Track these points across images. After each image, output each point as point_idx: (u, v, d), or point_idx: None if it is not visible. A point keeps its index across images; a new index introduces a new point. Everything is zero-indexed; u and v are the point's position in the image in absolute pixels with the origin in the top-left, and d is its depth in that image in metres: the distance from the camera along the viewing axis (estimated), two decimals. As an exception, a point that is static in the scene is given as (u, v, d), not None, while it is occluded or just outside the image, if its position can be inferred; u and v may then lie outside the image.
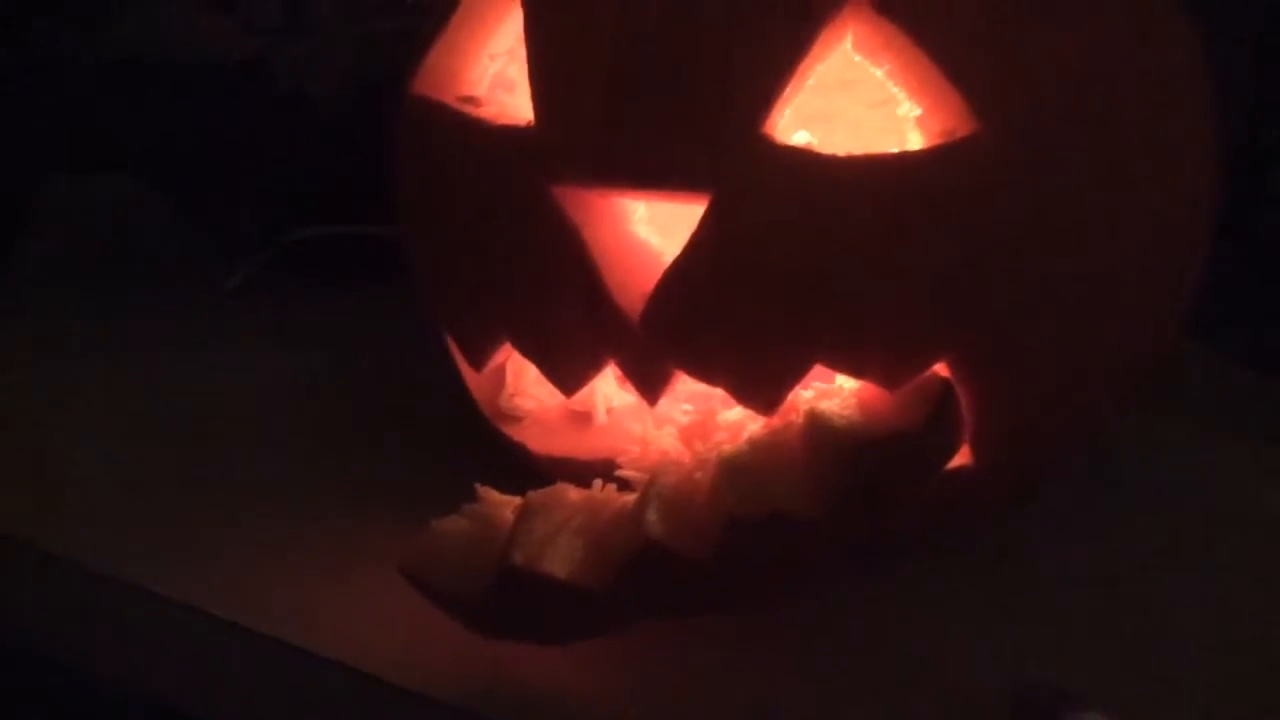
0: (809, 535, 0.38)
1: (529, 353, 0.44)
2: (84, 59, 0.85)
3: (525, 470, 0.48)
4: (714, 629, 0.43)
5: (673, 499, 0.39)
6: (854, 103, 0.42)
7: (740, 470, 0.39)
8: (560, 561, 0.38)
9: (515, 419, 0.48)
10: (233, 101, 0.80)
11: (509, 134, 0.43)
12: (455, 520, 0.41)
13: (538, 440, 0.47)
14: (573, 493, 0.41)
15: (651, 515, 0.38)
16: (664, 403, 0.44)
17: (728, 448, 0.40)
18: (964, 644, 0.43)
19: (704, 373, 0.41)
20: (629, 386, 0.47)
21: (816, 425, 0.39)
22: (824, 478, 0.38)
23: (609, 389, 0.48)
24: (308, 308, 0.72)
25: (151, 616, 0.47)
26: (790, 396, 0.41)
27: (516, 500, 0.41)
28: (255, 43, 0.95)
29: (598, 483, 0.41)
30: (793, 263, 0.39)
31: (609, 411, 0.47)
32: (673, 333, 0.41)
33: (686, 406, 0.46)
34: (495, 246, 0.43)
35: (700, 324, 0.40)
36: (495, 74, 0.47)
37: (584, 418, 0.48)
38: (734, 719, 0.40)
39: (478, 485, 0.42)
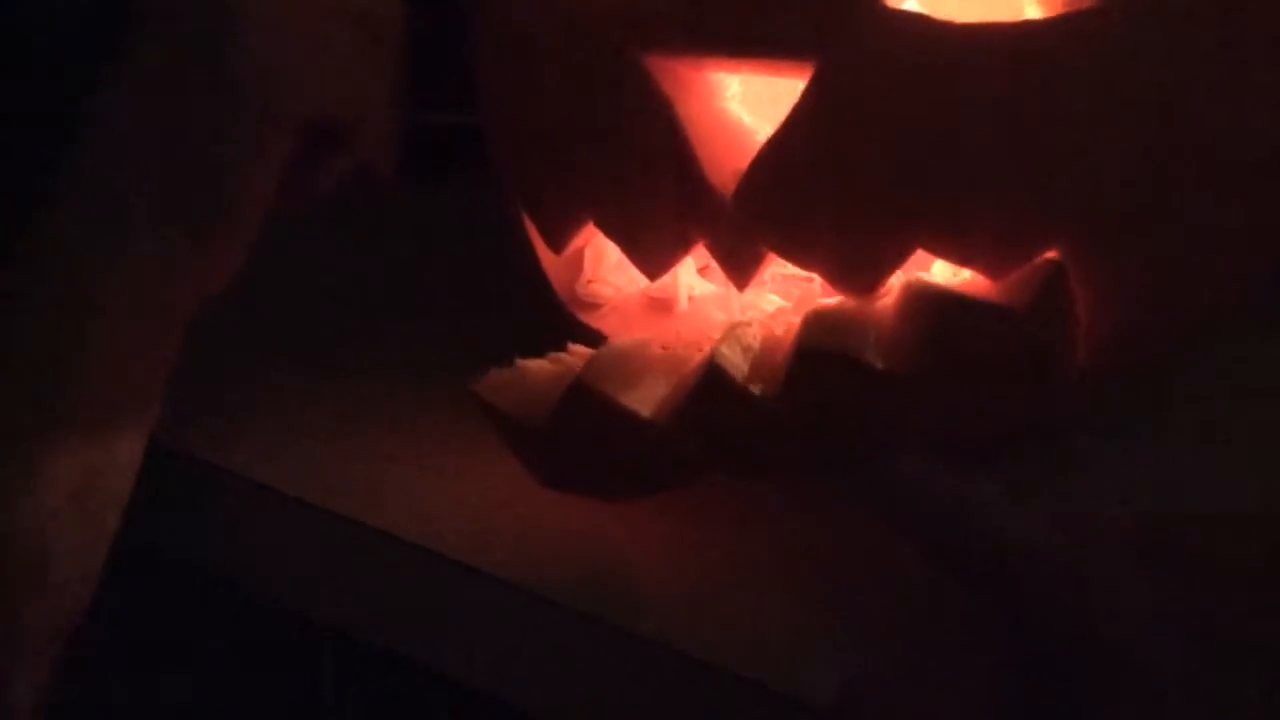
0: (881, 390, 0.36)
1: (613, 232, 0.42)
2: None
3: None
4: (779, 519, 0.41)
5: (751, 343, 0.38)
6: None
7: (825, 316, 0.37)
8: (630, 393, 0.37)
9: (593, 306, 0.47)
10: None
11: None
12: (540, 362, 0.40)
13: (616, 328, 0.46)
14: (658, 346, 0.40)
15: (725, 349, 0.37)
16: (750, 293, 0.42)
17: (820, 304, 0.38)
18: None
19: (798, 254, 0.39)
20: (713, 275, 0.46)
21: (914, 287, 0.37)
22: (909, 332, 0.36)
23: (691, 278, 0.46)
24: (382, 199, 0.70)
25: (223, 492, 0.47)
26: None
27: None
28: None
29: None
30: (900, 137, 0.37)
31: (690, 300, 0.46)
32: (767, 211, 0.39)
33: (773, 298, 0.44)
34: (581, 120, 0.41)
35: (797, 202, 0.38)
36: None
37: (664, 306, 0.46)
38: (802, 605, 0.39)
39: (570, 344, 0.41)
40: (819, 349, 0.35)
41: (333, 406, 0.50)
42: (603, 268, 0.47)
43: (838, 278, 0.39)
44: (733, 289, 0.42)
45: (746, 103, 0.42)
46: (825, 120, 0.37)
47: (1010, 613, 0.32)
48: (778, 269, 0.42)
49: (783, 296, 0.44)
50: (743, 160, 0.39)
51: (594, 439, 0.38)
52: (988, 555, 0.32)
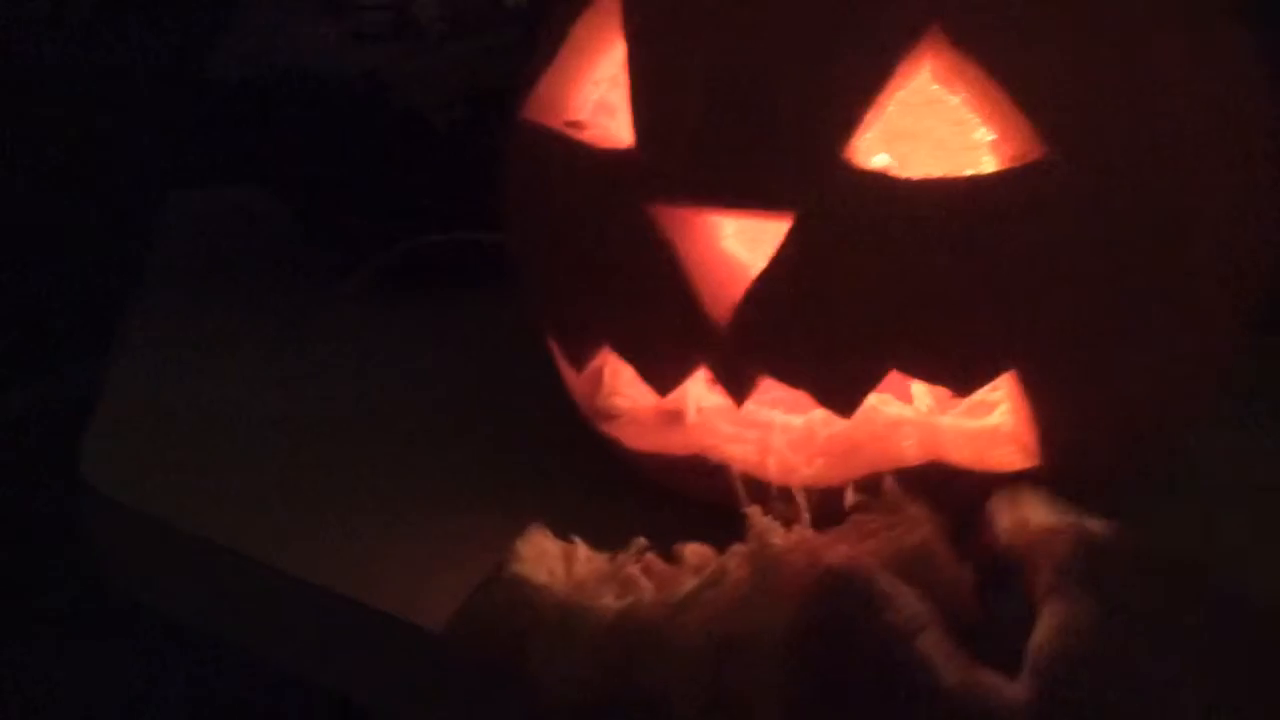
0: None
1: (627, 356, 0.48)
2: (211, 76, 0.92)
3: (620, 465, 0.52)
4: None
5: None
6: (938, 121, 0.45)
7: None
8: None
9: (611, 417, 0.52)
10: (351, 115, 0.86)
11: (610, 157, 0.47)
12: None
13: (632, 437, 0.51)
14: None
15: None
16: (750, 407, 0.48)
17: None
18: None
19: (787, 376, 0.45)
20: (718, 389, 0.51)
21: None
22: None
23: (699, 390, 0.52)
24: (419, 310, 0.77)
25: (275, 589, 0.52)
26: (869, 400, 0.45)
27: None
28: (367, 54, 1.00)
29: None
30: (868, 278, 0.42)
31: (699, 411, 0.51)
32: (758, 339, 0.44)
33: (777, 414, 0.49)
34: (597, 260, 0.47)
35: (783, 332, 0.44)
36: (598, 100, 0.51)
37: (675, 416, 0.51)
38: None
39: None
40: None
41: (376, 513, 0.56)
42: (620, 382, 0.53)
43: (822, 396, 0.45)
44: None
45: (742, 239, 0.47)
46: (804, 263, 0.43)
47: None
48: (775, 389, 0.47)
49: (782, 408, 0.49)
50: (738, 294, 0.45)
51: None
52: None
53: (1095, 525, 0.39)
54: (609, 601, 0.41)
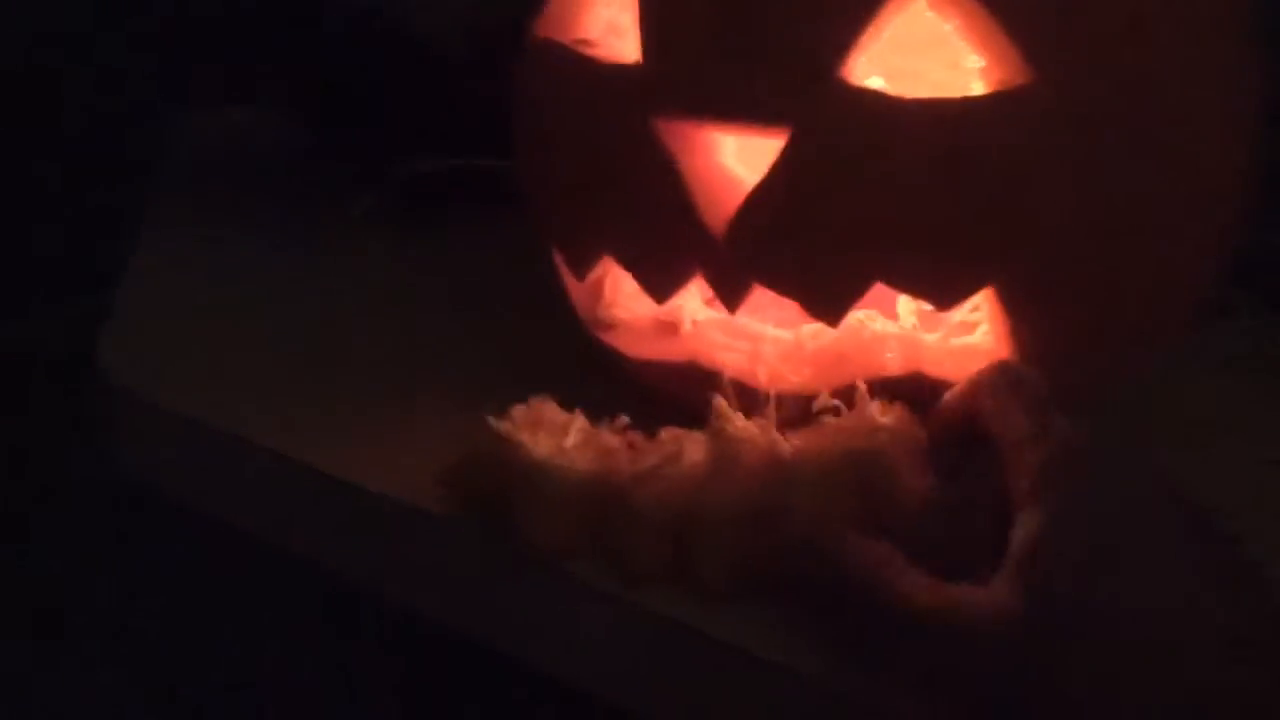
0: None
1: (627, 264, 0.50)
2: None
3: (617, 373, 0.54)
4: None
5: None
6: (928, 58, 0.47)
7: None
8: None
9: (610, 327, 0.55)
10: (362, 41, 0.87)
11: (618, 71, 0.49)
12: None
13: (629, 345, 0.53)
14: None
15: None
16: (742, 317, 0.50)
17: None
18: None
19: (777, 285, 0.47)
20: (714, 305, 0.54)
21: None
22: None
23: (694, 305, 0.54)
24: (426, 232, 0.79)
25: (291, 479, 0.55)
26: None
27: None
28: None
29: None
30: (858, 192, 0.45)
31: (694, 324, 0.53)
32: (751, 249, 0.47)
33: (769, 328, 0.52)
34: (601, 171, 0.49)
35: (775, 242, 0.46)
36: (608, 20, 0.53)
37: (670, 327, 0.54)
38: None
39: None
40: None
41: (377, 407, 0.58)
42: (620, 294, 0.55)
43: (810, 305, 0.47)
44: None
45: (743, 158, 0.49)
46: (797, 177, 0.45)
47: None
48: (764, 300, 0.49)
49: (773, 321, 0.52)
50: (734, 205, 0.47)
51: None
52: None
53: (1071, 428, 0.41)
54: (584, 466, 0.46)
